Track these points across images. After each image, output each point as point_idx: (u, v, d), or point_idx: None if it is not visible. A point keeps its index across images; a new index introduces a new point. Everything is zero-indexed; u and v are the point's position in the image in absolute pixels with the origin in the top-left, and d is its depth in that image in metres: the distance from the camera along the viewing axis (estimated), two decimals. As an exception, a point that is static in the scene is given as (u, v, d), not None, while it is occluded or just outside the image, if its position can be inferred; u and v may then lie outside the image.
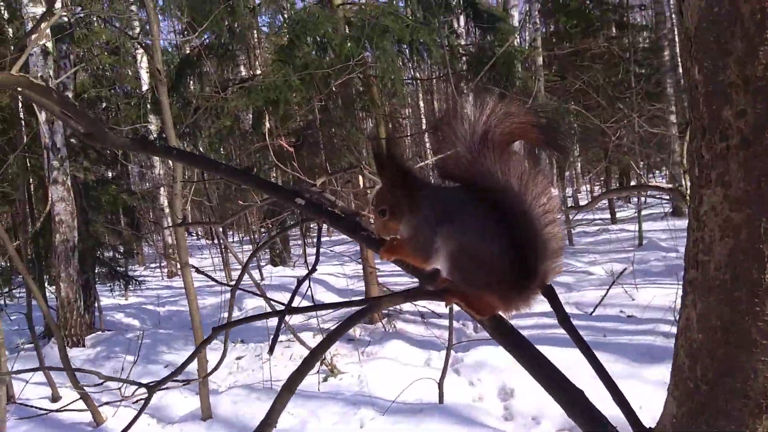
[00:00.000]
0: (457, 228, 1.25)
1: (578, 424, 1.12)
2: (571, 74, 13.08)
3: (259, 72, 10.80)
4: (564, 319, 1.24)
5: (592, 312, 7.87)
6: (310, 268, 1.41)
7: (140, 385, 1.47)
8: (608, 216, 16.57)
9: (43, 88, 1.02)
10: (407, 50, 7.24)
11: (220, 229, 8.12)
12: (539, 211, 1.23)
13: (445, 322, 8.14)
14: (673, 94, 15.29)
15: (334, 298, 10.00)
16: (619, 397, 1.13)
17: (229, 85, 7.31)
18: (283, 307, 1.29)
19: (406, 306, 8.80)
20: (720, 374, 0.84)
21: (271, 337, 8.11)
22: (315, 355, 1.16)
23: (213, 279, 2.29)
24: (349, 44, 5.96)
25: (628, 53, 14.85)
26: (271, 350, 1.05)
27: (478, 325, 8.07)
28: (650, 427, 1.08)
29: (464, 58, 7.44)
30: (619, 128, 10.61)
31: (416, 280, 1.38)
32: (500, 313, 1.27)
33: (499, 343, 1.26)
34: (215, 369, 1.78)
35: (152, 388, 1.40)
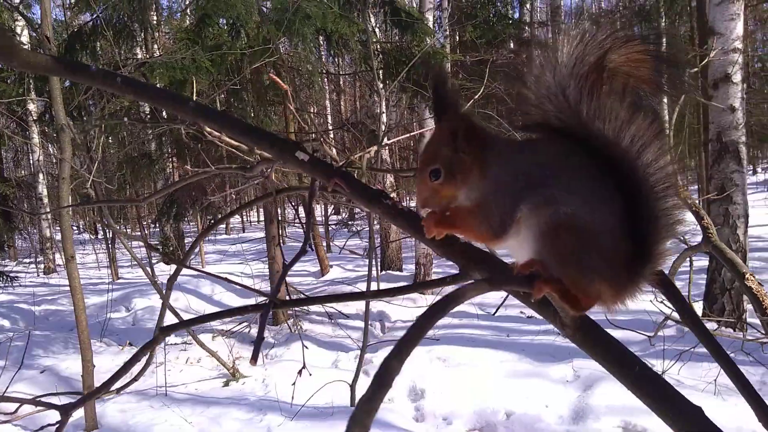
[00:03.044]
0: (557, 193, 0.97)
1: None
2: (477, 83, 13.50)
3: (158, 54, 10.05)
4: (685, 311, 1.06)
5: (495, 313, 8.06)
6: (285, 262, 1.16)
7: (52, 407, 1.13)
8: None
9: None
10: (325, 42, 7.05)
11: (111, 221, 7.41)
12: (658, 176, 0.98)
13: (353, 323, 7.99)
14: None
15: (236, 300, 9.51)
16: (757, 403, 1.02)
17: (127, 63, 6.69)
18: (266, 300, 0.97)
19: (314, 306, 8.55)
20: None
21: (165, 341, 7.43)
22: (392, 368, 0.80)
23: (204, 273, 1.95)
24: (266, 28, 5.63)
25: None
26: (254, 357, 0.76)
27: (387, 326, 8.00)
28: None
29: (380, 56, 7.36)
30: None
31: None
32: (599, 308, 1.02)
33: (581, 347, 1.03)
34: (141, 374, 1.47)
35: (68, 410, 1.08)
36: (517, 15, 19.36)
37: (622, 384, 0.99)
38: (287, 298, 8.09)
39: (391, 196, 1.13)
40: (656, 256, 1.00)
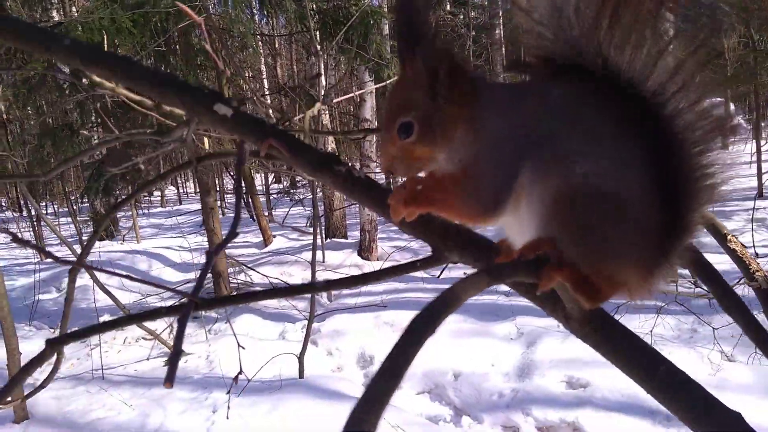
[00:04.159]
0: (571, 149, 0.73)
1: None
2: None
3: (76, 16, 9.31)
4: (728, 296, 0.95)
5: (439, 275, 8.14)
6: (212, 244, 1.01)
7: None
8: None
9: None
10: (257, 1, 6.68)
11: (31, 197, 6.90)
12: (699, 124, 0.75)
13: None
14: (502, 70, 16.39)
15: (176, 276, 9.17)
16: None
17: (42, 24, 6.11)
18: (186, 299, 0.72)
19: (255, 277, 8.35)
20: None
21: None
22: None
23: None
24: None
25: (466, 28, 15.61)
26: (169, 380, 0.56)
27: (333, 294, 7.91)
28: None
29: (317, 16, 7.06)
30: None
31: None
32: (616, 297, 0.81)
33: (590, 343, 0.84)
34: (48, 381, 1.30)
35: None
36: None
37: (642, 388, 0.83)
38: (229, 272, 7.84)
39: (344, 161, 0.86)
40: (692, 226, 0.79)
